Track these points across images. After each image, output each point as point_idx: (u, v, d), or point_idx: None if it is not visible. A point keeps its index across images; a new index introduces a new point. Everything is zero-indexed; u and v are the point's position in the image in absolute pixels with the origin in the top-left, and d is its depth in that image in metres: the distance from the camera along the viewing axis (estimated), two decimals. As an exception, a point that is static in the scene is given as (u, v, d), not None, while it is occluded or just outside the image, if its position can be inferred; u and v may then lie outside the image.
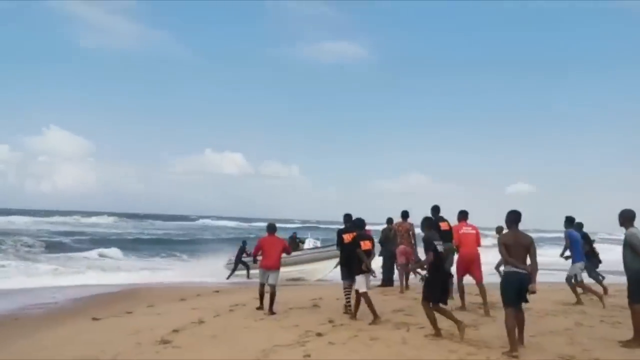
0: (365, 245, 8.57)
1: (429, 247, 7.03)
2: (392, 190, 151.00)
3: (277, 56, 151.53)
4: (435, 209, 10.22)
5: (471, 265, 9.19)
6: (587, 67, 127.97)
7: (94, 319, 8.94)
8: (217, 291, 12.92)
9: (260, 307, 9.43)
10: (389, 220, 13.30)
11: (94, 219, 62.73)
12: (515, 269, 6.27)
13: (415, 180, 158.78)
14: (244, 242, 19.64)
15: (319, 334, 7.12)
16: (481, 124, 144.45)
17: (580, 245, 10.34)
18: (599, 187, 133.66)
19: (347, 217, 9.67)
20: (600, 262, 12.00)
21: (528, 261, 6.29)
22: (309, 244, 21.77)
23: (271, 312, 9.08)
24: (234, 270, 18.82)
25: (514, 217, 6.55)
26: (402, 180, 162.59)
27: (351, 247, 8.74)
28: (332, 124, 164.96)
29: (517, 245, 6.38)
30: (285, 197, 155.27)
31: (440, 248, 7.09)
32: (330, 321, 8.03)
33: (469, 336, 6.72)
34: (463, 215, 9.67)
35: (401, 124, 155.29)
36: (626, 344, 6.57)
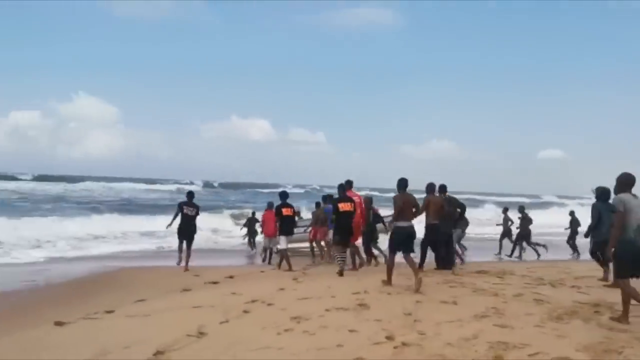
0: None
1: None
2: (418, 157, 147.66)
3: (304, 22, 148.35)
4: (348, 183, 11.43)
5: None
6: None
7: (57, 323, 6.45)
8: (232, 276, 10.31)
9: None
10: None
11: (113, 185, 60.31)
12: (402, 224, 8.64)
13: (443, 147, 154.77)
14: (253, 213, 17.88)
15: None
16: (510, 89, 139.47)
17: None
18: (633, 153, 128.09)
19: (341, 187, 11.11)
20: None
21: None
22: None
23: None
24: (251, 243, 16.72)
25: (402, 183, 8.94)
26: (428, 146, 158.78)
27: (346, 215, 10.55)
28: (358, 90, 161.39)
29: (407, 203, 8.75)
30: (312, 163, 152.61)
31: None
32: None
33: None
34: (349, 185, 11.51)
35: (428, 90, 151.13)
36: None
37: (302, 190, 59.42)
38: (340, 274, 10.10)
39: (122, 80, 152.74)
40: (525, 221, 16.09)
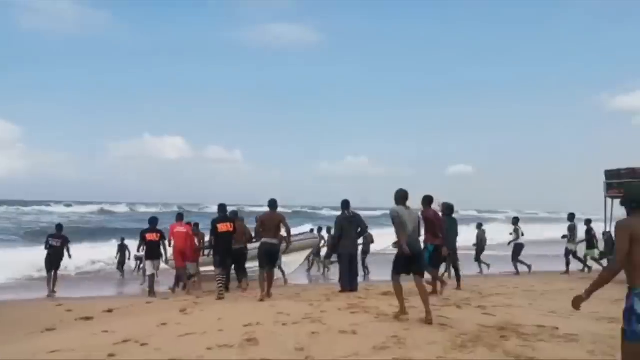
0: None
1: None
2: (335, 173, 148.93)
3: (217, 38, 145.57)
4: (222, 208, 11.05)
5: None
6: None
7: None
8: (110, 310, 8.93)
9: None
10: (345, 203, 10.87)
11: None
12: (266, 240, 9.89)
13: (357, 163, 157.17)
14: (122, 239, 16.82)
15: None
16: (424, 106, 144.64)
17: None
18: (539, 166, 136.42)
19: (222, 207, 11.01)
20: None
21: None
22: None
23: None
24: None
25: (272, 202, 10.10)
26: (345, 162, 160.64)
27: (225, 236, 10.59)
28: (276, 108, 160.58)
29: (270, 221, 9.92)
30: (229, 182, 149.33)
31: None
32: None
33: None
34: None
35: (345, 107, 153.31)
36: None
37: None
38: (220, 298, 9.98)
39: (23, 98, 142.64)
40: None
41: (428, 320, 6.80)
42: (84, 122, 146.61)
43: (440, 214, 10.11)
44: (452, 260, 11.08)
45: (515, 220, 15.57)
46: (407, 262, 7.14)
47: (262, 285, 9.89)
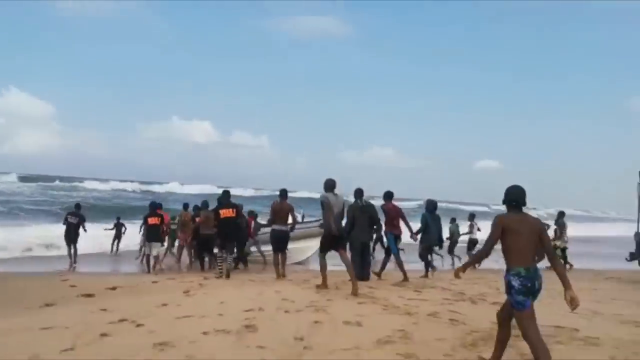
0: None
1: None
2: (360, 163, 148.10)
3: (251, 27, 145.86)
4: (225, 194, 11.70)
5: None
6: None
7: None
8: (114, 288, 8.76)
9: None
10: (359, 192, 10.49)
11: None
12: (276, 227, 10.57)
13: (382, 153, 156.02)
14: (118, 218, 17.59)
15: None
16: (451, 98, 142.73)
17: None
18: (568, 163, 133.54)
19: (225, 193, 11.73)
20: None
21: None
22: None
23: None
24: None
25: (283, 192, 10.96)
26: (369, 153, 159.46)
27: (227, 220, 11.02)
28: (303, 95, 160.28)
29: (280, 209, 10.65)
30: (254, 167, 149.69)
31: None
32: None
33: None
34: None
35: (371, 97, 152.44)
36: None
37: (253, 194, 56.77)
38: (221, 276, 10.56)
39: (61, 79, 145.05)
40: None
41: (354, 292, 8.07)
42: (115, 103, 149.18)
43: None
44: (429, 252, 11.71)
45: (471, 217, 16.25)
46: (333, 240, 8.67)
47: (276, 267, 10.69)
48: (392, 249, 10.51)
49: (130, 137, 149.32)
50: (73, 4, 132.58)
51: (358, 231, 9.99)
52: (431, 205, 11.53)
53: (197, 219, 13.16)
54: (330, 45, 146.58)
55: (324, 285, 8.69)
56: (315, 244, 15.49)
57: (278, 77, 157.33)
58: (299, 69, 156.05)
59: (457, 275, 4.58)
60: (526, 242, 4.26)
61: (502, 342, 4.60)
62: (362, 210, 10.19)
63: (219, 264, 10.89)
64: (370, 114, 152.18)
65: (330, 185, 8.86)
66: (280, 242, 10.69)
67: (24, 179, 56.10)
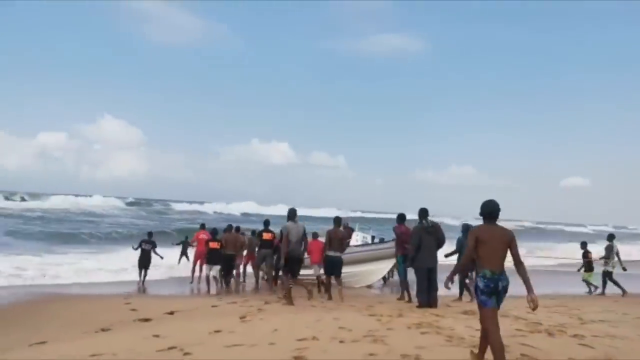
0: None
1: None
2: (439, 183, 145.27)
3: (325, 48, 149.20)
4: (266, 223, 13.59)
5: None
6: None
7: None
8: (172, 312, 8.72)
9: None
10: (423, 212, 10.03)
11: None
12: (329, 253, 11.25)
13: (464, 172, 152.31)
14: (186, 237, 18.78)
15: None
16: (532, 115, 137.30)
17: None
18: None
19: (266, 222, 13.46)
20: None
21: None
22: (356, 238, 17.58)
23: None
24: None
25: (337, 220, 11.58)
26: (449, 172, 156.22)
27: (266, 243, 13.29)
28: (379, 115, 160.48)
29: (335, 236, 11.22)
30: (332, 187, 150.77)
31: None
32: None
33: None
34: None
35: (447, 116, 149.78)
36: None
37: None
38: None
39: (145, 104, 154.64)
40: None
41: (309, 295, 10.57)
42: (197, 127, 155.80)
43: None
44: (464, 277, 11.49)
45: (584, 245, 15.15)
46: (291, 263, 10.16)
47: (328, 290, 11.28)
48: (399, 271, 11.07)
49: (210, 160, 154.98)
50: (157, 32, 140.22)
51: (425, 254, 9.43)
52: (466, 229, 11.12)
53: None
54: (406, 63, 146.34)
55: (289, 300, 9.80)
56: (385, 266, 15.06)
57: (354, 96, 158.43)
58: (375, 88, 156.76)
59: (446, 286, 5.36)
60: (494, 249, 4.80)
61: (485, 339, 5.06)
62: (427, 232, 9.63)
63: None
64: (447, 132, 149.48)
65: (291, 215, 10.31)
66: (333, 267, 11.17)
67: (130, 203, 60.00)
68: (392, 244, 15.77)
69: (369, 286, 14.91)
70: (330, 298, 10.91)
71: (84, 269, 16.43)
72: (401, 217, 10.92)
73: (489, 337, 4.77)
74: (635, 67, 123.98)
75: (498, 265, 4.78)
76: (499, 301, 4.85)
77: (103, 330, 7.28)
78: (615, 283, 13.93)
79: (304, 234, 10.46)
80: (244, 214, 56.98)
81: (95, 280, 15.07)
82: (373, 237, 18.26)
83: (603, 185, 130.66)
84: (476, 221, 10.30)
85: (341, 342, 6.23)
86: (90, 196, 56.78)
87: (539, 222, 76.92)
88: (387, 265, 15.13)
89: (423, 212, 9.76)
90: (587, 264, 14.68)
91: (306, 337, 6.42)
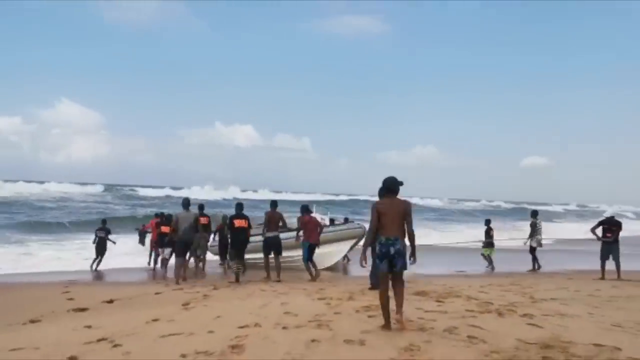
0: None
1: None
2: (404, 163, 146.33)
3: (289, 28, 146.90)
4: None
5: None
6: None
7: None
8: (111, 301, 8.25)
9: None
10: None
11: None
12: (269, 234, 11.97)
13: (427, 153, 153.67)
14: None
15: None
16: (494, 95, 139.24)
17: None
18: (616, 161, 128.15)
19: (239, 205, 12.29)
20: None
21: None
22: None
23: None
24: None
25: (274, 203, 12.33)
26: (413, 152, 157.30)
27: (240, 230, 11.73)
28: (344, 96, 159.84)
29: (272, 218, 12.01)
30: (297, 170, 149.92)
31: None
32: None
33: None
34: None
35: (413, 96, 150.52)
36: None
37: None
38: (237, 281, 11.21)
39: (105, 87, 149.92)
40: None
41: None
42: (160, 110, 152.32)
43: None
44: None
45: (487, 222, 16.01)
46: (182, 246, 11.23)
47: (267, 270, 12.13)
48: (304, 255, 12.11)
49: (172, 144, 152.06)
50: (113, 7, 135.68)
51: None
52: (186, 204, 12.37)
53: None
54: (371, 44, 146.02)
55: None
56: (345, 247, 14.88)
57: (319, 78, 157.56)
58: (339, 69, 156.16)
59: (361, 264, 5.80)
60: (392, 219, 5.50)
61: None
62: None
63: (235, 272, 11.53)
64: (411, 113, 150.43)
65: (185, 204, 11.68)
66: (271, 247, 11.97)
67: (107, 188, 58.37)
68: (351, 225, 15.73)
69: (330, 268, 14.68)
70: (269, 277, 11.88)
71: (34, 258, 16.14)
72: (305, 208, 12.44)
73: (379, 294, 5.66)
74: (591, 48, 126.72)
75: (393, 232, 5.45)
76: (394, 265, 5.48)
77: (32, 321, 6.77)
78: (534, 258, 14.81)
79: (196, 221, 11.47)
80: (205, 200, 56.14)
81: (46, 269, 14.47)
82: (332, 220, 17.99)
83: (564, 165, 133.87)
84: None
85: (284, 328, 5.93)
86: (48, 182, 54.93)
87: (506, 201, 78.74)
88: (345, 247, 14.98)
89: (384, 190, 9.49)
90: (488, 242, 15.70)
91: (248, 323, 6.11)
